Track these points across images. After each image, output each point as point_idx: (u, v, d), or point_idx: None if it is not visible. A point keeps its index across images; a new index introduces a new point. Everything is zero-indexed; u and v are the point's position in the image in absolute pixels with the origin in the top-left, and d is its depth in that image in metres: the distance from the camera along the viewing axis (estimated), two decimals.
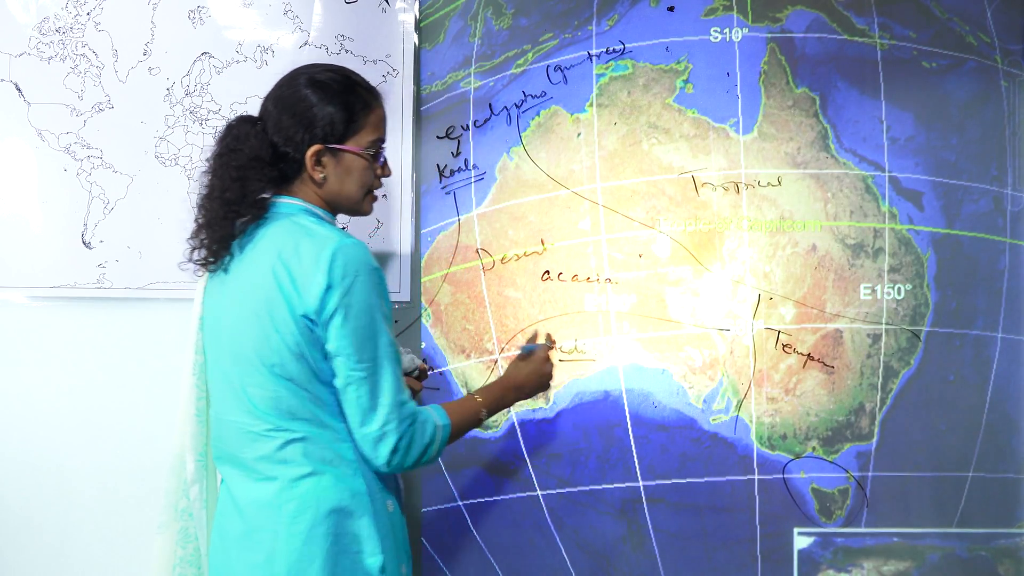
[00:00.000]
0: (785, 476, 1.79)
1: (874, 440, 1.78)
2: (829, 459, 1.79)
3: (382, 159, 1.38)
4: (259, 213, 1.32)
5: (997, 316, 1.80)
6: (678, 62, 1.82)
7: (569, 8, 1.84)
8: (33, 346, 1.84)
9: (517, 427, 1.83)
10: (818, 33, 1.81)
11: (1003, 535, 1.80)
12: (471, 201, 1.85)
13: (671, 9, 1.82)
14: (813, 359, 1.79)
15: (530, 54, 1.85)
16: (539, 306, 1.83)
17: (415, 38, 1.87)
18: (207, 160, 1.35)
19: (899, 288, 1.79)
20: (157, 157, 1.83)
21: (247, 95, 1.83)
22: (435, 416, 1.34)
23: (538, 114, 1.84)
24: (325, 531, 1.26)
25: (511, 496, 1.83)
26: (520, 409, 1.82)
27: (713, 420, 1.79)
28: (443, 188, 1.87)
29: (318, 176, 1.33)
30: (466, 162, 1.86)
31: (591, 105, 1.83)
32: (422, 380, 1.63)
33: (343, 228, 1.83)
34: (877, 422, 1.78)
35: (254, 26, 1.85)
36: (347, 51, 1.85)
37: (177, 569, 1.43)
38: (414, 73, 1.87)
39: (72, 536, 1.84)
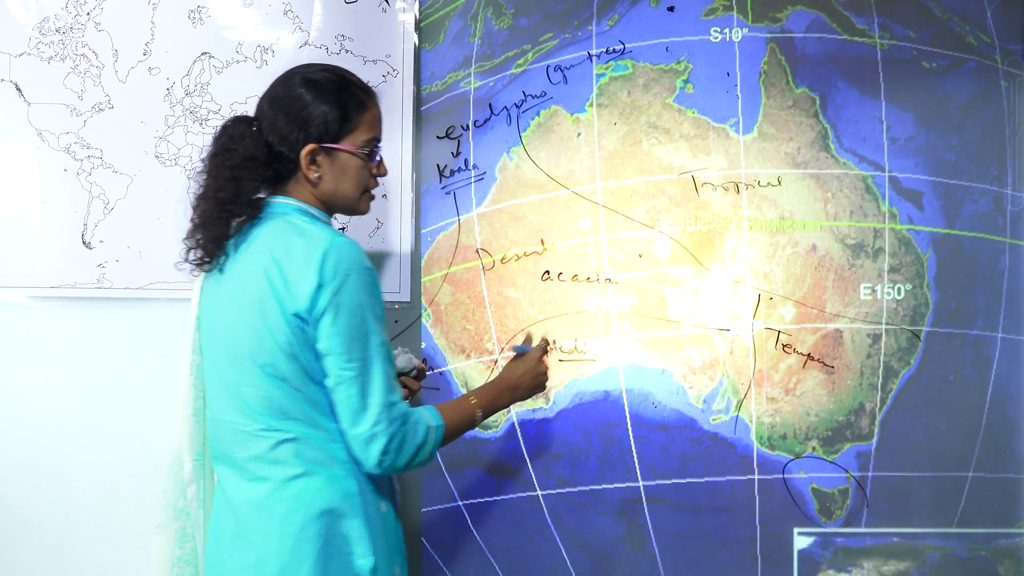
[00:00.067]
0: (785, 476, 1.79)
1: (874, 440, 1.78)
2: (829, 459, 1.79)
3: (378, 158, 1.38)
4: (254, 213, 1.32)
5: (997, 316, 1.80)
6: (678, 62, 1.82)
7: (569, 8, 1.84)
8: (33, 346, 1.84)
9: (517, 427, 1.83)
10: (818, 33, 1.81)
11: (1003, 535, 1.80)
12: (471, 201, 1.85)
13: (671, 9, 1.82)
14: (813, 359, 1.79)
15: (530, 54, 1.85)
16: (539, 306, 1.83)
17: (415, 38, 1.87)
18: (202, 160, 1.36)
19: (899, 288, 1.79)
20: (157, 157, 1.83)
21: (247, 95, 1.83)
22: (428, 417, 1.33)
23: (538, 114, 1.84)
24: (316, 532, 1.26)
25: (511, 496, 1.83)
26: (520, 409, 1.82)
27: (713, 420, 1.79)
28: (443, 188, 1.87)
29: (313, 175, 1.32)
30: (466, 162, 1.86)
31: (591, 105, 1.83)
32: (420, 380, 1.62)
33: (342, 228, 1.83)
34: (877, 422, 1.78)
35: (254, 26, 1.85)
36: (347, 51, 1.85)
37: (175, 569, 1.43)
38: (414, 73, 1.87)
39: (72, 536, 1.84)
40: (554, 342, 1.81)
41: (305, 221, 1.32)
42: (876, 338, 1.79)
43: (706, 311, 1.80)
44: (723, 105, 1.81)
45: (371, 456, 1.26)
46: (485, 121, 1.85)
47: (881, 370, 1.79)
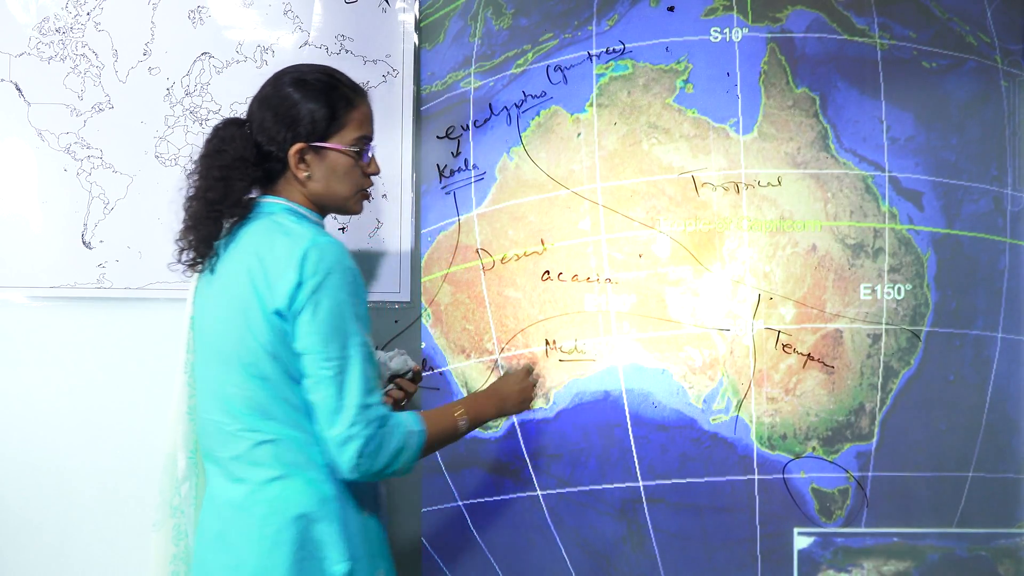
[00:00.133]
0: (785, 476, 1.79)
1: (874, 440, 1.78)
2: (829, 459, 1.78)
3: (368, 156, 1.37)
4: (244, 213, 1.32)
5: (997, 316, 1.80)
6: (678, 62, 1.82)
7: (569, 8, 1.84)
8: (33, 346, 1.84)
9: (517, 427, 1.83)
10: (818, 33, 1.81)
11: (1003, 535, 1.80)
12: (471, 201, 1.85)
13: (671, 9, 1.82)
14: (813, 359, 1.79)
15: (530, 54, 1.85)
16: (539, 306, 1.83)
17: (415, 38, 1.87)
18: (194, 162, 1.35)
19: (899, 288, 1.79)
20: (157, 157, 1.83)
21: (247, 95, 1.79)
22: (409, 422, 1.30)
23: (538, 114, 1.84)
24: (290, 537, 1.25)
25: (511, 496, 1.82)
26: None
27: (713, 420, 1.79)
28: (443, 188, 1.87)
29: (302, 175, 1.32)
30: (466, 162, 1.86)
31: (591, 105, 1.83)
32: (417, 383, 1.61)
33: (341, 228, 1.83)
34: (877, 422, 1.78)
35: (254, 26, 1.85)
36: (347, 51, 1.85)
37: (171, 566, 1.44)
38: (414, 73, 1.87)
39: (72, 536, 1.84)
40: (553, 342, 1.81)
41: (292, 221, 1.31)
42: (876, 338, 1.79)
43: (706, 311, 1.80)
44: (723, 105, 1.81)
45: (345, 459, 1.23)
46: (485, 121, 1.85)
47: (881, 370, 1.78)
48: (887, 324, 1.79)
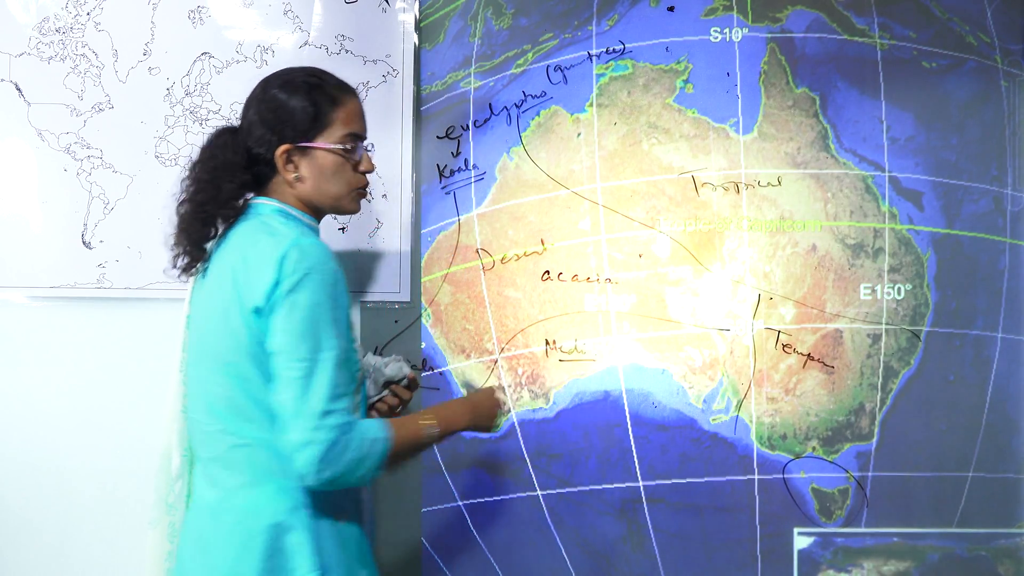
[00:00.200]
0: (785, 476, 1.78)
1: (874, 440, 1.78)
2: (829, 459, 1.78)
3: (359, 154, 1.36)
4: (236, 215, 1.32)
5: (997, 316, 1.80)
6: (678, 62, 1.82)
7: (569, 8, 1.84)
8: (33, 346, 1.84)
9: (517, 427, 1.83)
10: (818, 33, 1.81)
11: (1003, 535, 1.80)
12: (471, 201, 1.85)
13: (671, 9, 1.82)
14: (813, 359, 1.79)
15: (530, 54, 1.85)
16: (539, 306, 1.83)
17: (415, 38, 1.87)
18: (186, 168, 1.35)
19: (899, 288, 1.79)
20: (157, 157, 1.83)
21: (247, 95, 1.82)
22: (372, 429, 1.23)
23: (538, 114, 1.84)
24: (259, 545, 1.23)
25: (511, 496, 1.82)
26: (520, 409, 1.82)
27: (713, 420, 1.79)
28: (443, 188, 1.87)
29: (290, 176, 1.31)
30: (466, 162, 1.86)
31: (591, 105, 1.83)
32: (412, 390, 1.54)
33: (341, 229, 1.83)
34: (877, 422, 1.78)
35: (254, 26, 1.85)
36: (347, 51, 1.85)
37: (166, 563, 1.44)
38: (414, 73, 1.87)
39: (72, 536, 1.83)
40: (554, 342, 1.81)
41: (280, 221, 1.31)
42: (876, 338, 1.79)
43: (706, 311, 1.80)
44: (723, 105, 1.81)
45: (303, 465, 1.17)
46: (485, 121, 1.85)
47: (881, 370, 1.78)
48: (887, 324, 1.79)
